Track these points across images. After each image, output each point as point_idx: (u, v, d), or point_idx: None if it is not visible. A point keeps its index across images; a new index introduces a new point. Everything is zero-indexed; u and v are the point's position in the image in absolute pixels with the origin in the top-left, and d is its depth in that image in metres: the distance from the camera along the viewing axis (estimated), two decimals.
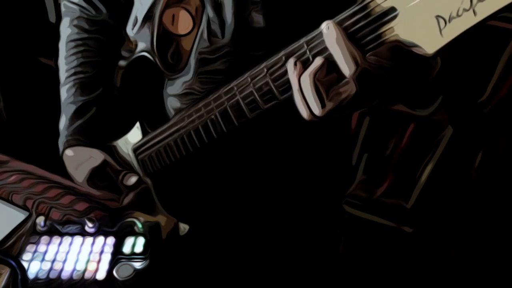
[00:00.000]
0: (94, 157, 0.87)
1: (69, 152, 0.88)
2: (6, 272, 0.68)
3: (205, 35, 0.74)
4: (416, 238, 1.71)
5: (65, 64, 0.90)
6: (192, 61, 0.76)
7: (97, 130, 0.90)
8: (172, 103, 0.82)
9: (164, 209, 0.90)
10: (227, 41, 0.73)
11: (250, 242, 0.95)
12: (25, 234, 0.75)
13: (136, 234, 0.72)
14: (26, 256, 0.71)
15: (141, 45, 0.80)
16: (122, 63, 0.85)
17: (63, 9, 0.93)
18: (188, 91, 0.79)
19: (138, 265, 0.69)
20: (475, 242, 1.69)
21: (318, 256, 0.99)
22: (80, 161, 0.88)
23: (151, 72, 0.78)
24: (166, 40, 0.75)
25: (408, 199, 1.74)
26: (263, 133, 0.77)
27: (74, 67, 0.89)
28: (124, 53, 0.87)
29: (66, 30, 0.91)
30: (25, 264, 0.69)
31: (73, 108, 0.89)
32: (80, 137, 0.88)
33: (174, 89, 0.81)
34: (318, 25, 0.57)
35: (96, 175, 0.87)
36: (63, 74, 0.90)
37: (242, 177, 0.87)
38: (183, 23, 0.74)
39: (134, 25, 0.81)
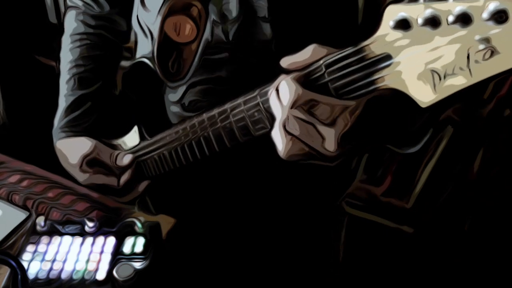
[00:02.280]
0: (83, 144, 0.87)
1: (59, 145, 0.89)
2: (6, 272, 0.68)
3: (208, 43, 0.73)
4: (416, 238, 1.71)
5: (66, 57, 0.90)
6: (195, 69, 0.75)
7: (90, 124, 0.89)
8: (174, 110, 0.82)
9: (156, 210, 0.90)
10: (231, 49, 0.73)
11: (250, 242, 0.95)
12: (25, 234, 0.75)
13: (136, 234, 0.72)
14: (26, 256, 0.70)
15: (141, 50, 0.79)
16: (123, 63, 0.85)
17: (68, 3, 0.93)
18: (191, 99, 0.79)
19: (138, 265, 0.68)
20: (475, 242, 1.69)
21: (317, 256, 0.99)
22: (70, 151, 0.88)
23: (152, 77, 0.78)
24: (167, 48, 0.74)
25: (408, 199, 1.74)
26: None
27: (75, 60, 0.89)
28: (125, 53, 0.87)
29: (70, 24, 0.91)
30: (25, 264, 0.68)
31: (69, 100, 0.89)
32: (71, 129, 0.88)
33: (175, 97, 0.80)
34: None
35: (89, 162, 0.86)
36: (63, 67, 0.90)
37: (240, 178, 0.87)
38: (186, 31, 0.73)
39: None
